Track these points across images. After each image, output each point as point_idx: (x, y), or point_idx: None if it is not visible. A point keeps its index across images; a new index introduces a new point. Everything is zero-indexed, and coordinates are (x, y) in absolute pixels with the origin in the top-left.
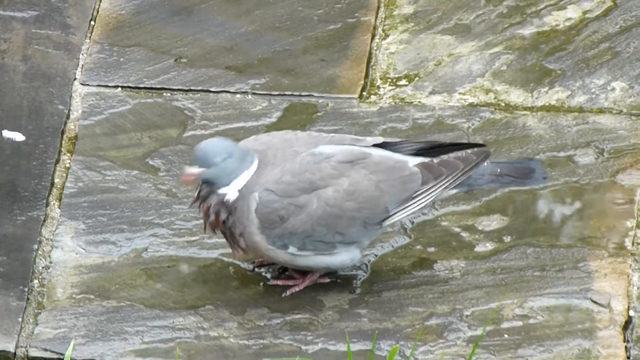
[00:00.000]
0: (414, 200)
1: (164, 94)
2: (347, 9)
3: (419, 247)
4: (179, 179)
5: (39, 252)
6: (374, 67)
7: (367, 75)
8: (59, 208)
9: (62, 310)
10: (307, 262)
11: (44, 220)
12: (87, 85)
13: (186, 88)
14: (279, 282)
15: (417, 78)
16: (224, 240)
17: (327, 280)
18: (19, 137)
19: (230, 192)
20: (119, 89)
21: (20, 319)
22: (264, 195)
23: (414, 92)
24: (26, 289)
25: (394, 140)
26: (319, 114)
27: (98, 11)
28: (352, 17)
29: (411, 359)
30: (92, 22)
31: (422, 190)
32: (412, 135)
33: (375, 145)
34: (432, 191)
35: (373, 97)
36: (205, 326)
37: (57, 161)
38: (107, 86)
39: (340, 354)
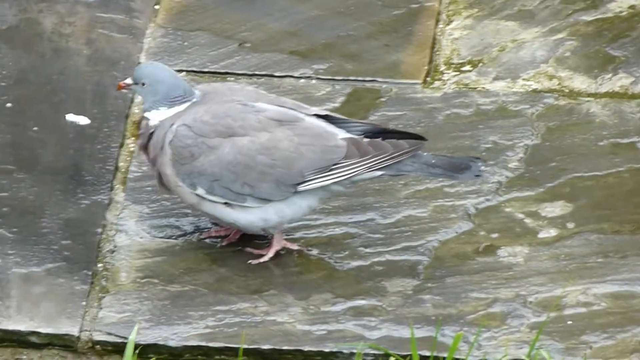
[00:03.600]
0: (332, 172)
1: (228, 78)
2: None
3: (482, 233)
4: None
5: (103, 236)
6: (437, 52)
7: (430, 61)
8: (124, 192)
9: (126, 294)
10: (213, 211)
11: (108, 204)
12: None
13: (250, 72)
14: (252, 250)
15: (480, 64)
16: (287, 225)
17: (296, 247)
18: (83, 120)
19: (151, 118)
20: (183, 73)
21: (84, 303)
22: (180, 130)
23: (477, 78)
24: (90, 273)
25: (341, 117)
26: (382, 99)
27: None
28: (416, 2)
29: (475, 345)
30: (156, 6)
31: (343, 164)
32: (475, 121)
33: (317, 116)
34: (353, 167)
35: (437, 83)
36: (269, 311)
37: (122, 145)
38: None
39: (403, 340)
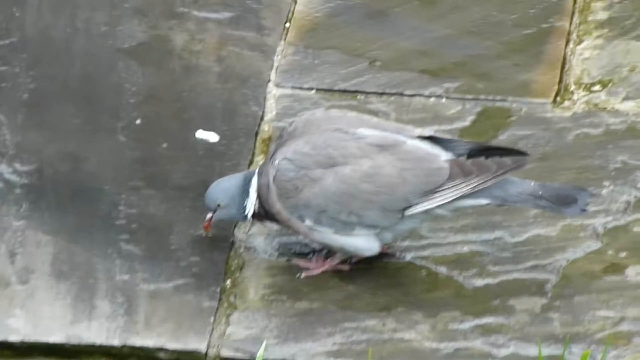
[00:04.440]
0: (437, 195)
1: (358, 96)
2: (541, 14)
3: (610, 252)
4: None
5: (232, 253)
6: (567, 72)
7: (561, 80)
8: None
9: (254, 311)
10: (322, 239)
11: (236, 223)
12: (282, 87)
13: (380, 91)
14: (300, 263)
15: (610, 84)
16: (416, 243)
17: (347, 267)
18: (213, 137)
19: (250, 210)
20: (314, 91)
21: (212, 319)
22: (282, 164)
23: (607, 98)
24: (218, 289)
25: (446, 137)
26: (512, 118)
27: (293, 13)
28: (546, 22)
29: None
30: (287, 24)
31: (448, 186)
32: (605, 141)
33: (422, 137)
34: (458, 188)
35: (567, 102)
36: (397, 328)
37: (251, 162)
38: (301, 88)
39: (531, 359)
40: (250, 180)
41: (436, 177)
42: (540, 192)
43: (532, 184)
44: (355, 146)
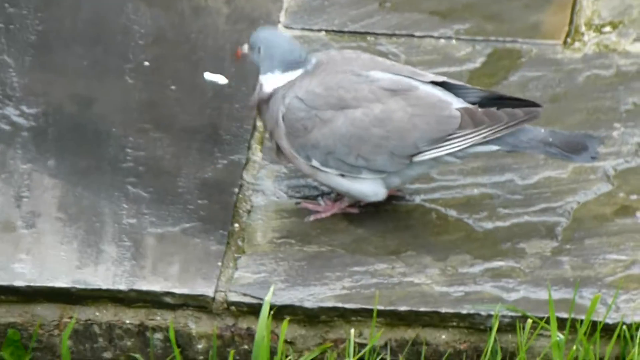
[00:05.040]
0: (446, 143)
1: (368, 38)
2: None
3: (621, 194)
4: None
5: (240, 195)
6: (578, 13)
7: (571, 22)
8: (261, 152)
9: (262, 255)
10: (327, 181)
11: (246, 164)
12: (291, 28)
13: (390, 32)
14: (309, 206)
15: (621, 25)
16: (425, 185)
17: (356, 211)
18: (221, 79)
19: (265, 83)
20: (323, 32)
21: (219, 263)
22: (293, 103)
23: (618, 39)
24: (226, 233)
25: (459, 83)
26: (522, 59)
27: None
28: None
29: (613, 307)
30: None
31: (458, 135)
32: (615, 82)
33: (433, 83)
34: (468, 137)
35: (577, 44)
36: (407, 272)
37: None
38: (310, 30)
39: (541, 302)
40: (304, 63)
41: (447, 125)
42: (550, 139)
43: (543, 130)
44: (367, 89)
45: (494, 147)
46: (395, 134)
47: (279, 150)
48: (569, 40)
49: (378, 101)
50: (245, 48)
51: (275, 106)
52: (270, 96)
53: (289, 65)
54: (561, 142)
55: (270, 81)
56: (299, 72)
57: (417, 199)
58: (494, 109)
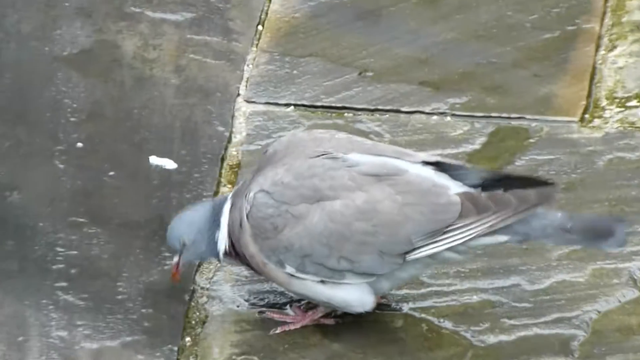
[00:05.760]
0: (445, 236)
1: (346, 114)
2: (566, 15)
3: None
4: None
5: (192, 303)
6: (598, 84)
7: (589, 94)
8: None
9: None
10: (304, 290)
11: (199, 265)
12: (253, 102)
13: (372, 107)
14: (275, 316)
15: None
16: (415, 291)
17: (332, 322)
18: (169, 164)
19: (222, 249)
20: (292, 107)
21: None
22: (259, 198)
23: None
24: (176, 349)
25: (455, 162)
26: (531, 140)
27: (267, 14)
28: (572, 24)
29: None
30: (260, 27)
31: (459, 225)
32: None
33: (426, 163)
34: (471, 228)
35: (597, 121)
36: None
37: (216, 194)
38: (277, 104)
39: None
40: (221, 209)
41: (445, 214)
42: (569, 225)
43: (560, 214)
44: (346, 176)
45: (502, 238)
46: (384, 228)
47: (249, 263)
48: (587, 116)
49: (360, 189)
50: (175, 258)
51: (238, 211)
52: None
53: (219, 222)
54: (582, 228)
55: (223, 246)
56: (227, 206)
57: (405, 308)
58: (499, 192)
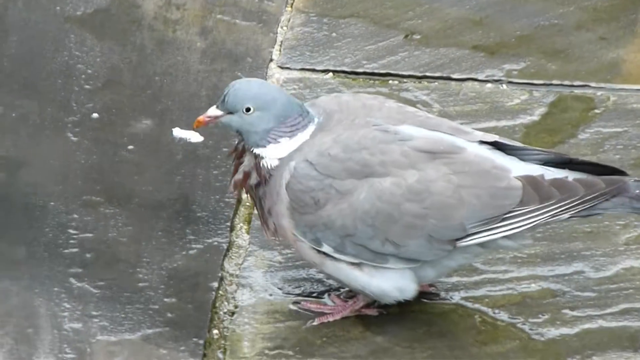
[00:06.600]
0: (504, 223)
1: (390, 81)
2: None
3: None
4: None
5: (220, 292)
6: None
7: None
8: (248, 233)
9: None
10: (337, 273)
11: (228, 250)
12: (288, 68)
13: (419, 74)
14: (312, 306)
15: None
16: (467, 279)
17: (375, 312)
18: (195, 137)
19: (268, 157)
20: (330, 74)
21: None
22: (300, 168)
23: None
24: (202, 342)
25: (515, 143)
26: (596, 110)
27: None
28: None
29: None
30: None
31: (519, 212)
32: None
33: (483, 143)
34: (533, 216)
35: None
36: None
37: None
38: (314, 70)
39: None
40: (310, 118)
41: (504, 199)
42: (638, 191)
43: (630, 181)
44: (398, 151)
45: (565, 215)
46: (436, 211)
47: (274, 229)
48: None
49: (412, 167)
50: (214, 111)
51: (279, 175)
52: (273, 170)
53: (294, 126)
54: None
55: (274, 152)
56: (308, 131)
57: (456, 297)
58: (564, 178)
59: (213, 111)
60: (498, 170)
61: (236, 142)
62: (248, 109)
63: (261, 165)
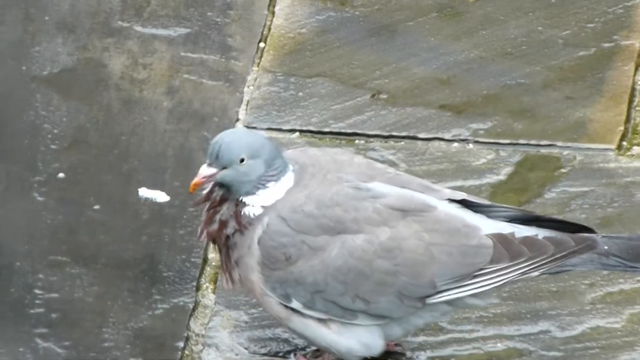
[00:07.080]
0: (474, 281)
1: (357, 140)
2: (603, 30)
3: None
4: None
5: (186, 352)
6: (637, 108)
7: (628, 120)
8: (214, 293)
9: None
10: (303, 329)
11: (194, 310)
12: (254, 128)
13: (386, 133)
14: None
15: None
16: (433, 338)
17: None
18: (161, 197)
19: (254, 205)
20: (297, 134)
21: None
22: (273, 224)
23: None
24: None
25: (482, 201)
26: (562, 170)
27: (269, 29)
28: (609, 40)
29: None
30: (262, 44)
31: (489, 270)
32: None
33: (452, 201)
34: (502, 274)
35: (636, 149)
36: None
37: None
38: (280, 130)
39: None
40: (287, 167)
41: (475, 257)
42: (606, 247)
43: (597, 239)
44: (370, 208)
45: (535, 273)
46: (407, 268)
47: (230, 276)
48: (624, 144)
49: (385, 224)
50: (207, 170)
51: (255, 225)
52: (253, 221)
53: (278, 168)
54: (621, 250)
55: (259, 200)
56: (288, 176)
57: (422, 357)
58: (534, 236)
59: (206, 170)
60: (469, 229)
61: (208, 192)
62: (242, 160)
63: (242, 213)
